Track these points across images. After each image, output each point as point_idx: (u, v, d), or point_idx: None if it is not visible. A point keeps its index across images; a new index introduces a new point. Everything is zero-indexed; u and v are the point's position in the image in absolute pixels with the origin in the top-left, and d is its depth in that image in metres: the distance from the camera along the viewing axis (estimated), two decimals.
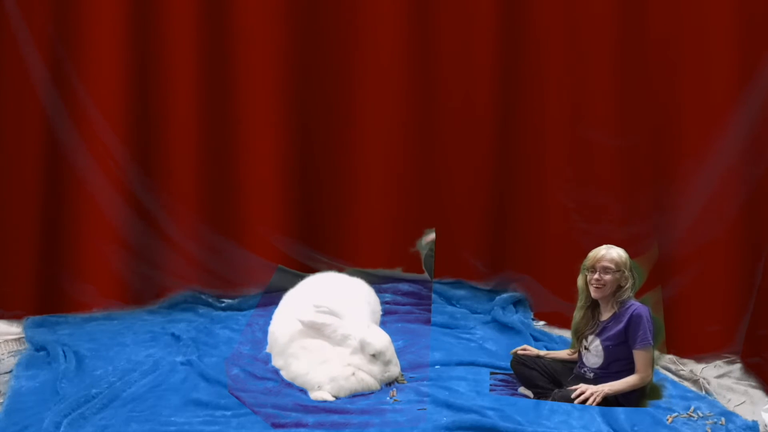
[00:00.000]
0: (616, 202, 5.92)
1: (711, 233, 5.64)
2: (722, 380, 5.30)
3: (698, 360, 5.52)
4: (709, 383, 5.21)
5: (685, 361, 5.51)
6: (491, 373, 5.23)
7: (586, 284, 4.87)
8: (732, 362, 5.50)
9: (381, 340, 4.99)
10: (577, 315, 4.98)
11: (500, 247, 6.44)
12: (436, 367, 5.29)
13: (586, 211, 6.01)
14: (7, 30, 6.00)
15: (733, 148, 5.58)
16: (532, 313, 6.29)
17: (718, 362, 5.51)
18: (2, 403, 4.90)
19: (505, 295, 6.36)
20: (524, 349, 5.21)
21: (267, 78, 6.35)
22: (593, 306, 4.92)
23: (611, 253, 4.83)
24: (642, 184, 5.86)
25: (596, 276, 4.80)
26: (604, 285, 4.80)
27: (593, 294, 4.85)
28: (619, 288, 4.82)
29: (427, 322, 6.02)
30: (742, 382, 5.29)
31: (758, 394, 5.13)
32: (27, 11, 5.98)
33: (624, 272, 4.81)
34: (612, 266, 4.79)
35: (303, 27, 6.37)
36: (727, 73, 5.62)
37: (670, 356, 5.51)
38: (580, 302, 4.96)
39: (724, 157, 5.59)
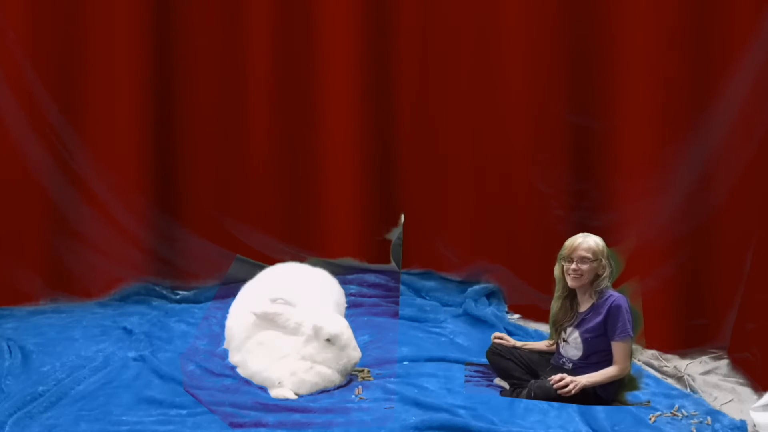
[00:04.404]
0: (595, 188, 5.86)
1: (696, 221, 5.55)
2: (708, 377, 5.23)
3: (683, 356, 5.47)
4: (694, 380, 5.13)
5: (669, 356, 5.46)
6: (466, 364, 5.20)
7: (563, 274, 4.85)
8: (718, 358, 5.44)
9: (335, 323, 4.93)
10: (555, 305, 4.95)
11: (473, 236, 6.35)
12: (405, 363, 5.24)
13: (563, 197, 5.94)
14: None
15: (719, 131, 5.48)
16: (506, 306, 6.24)
17: (704, 358, 5.45)
18: None
19: (477, 287, 6.30)
20: (500, 337, 5.16)
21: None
22: (571, 296, 4.90)
23: (588, 241, 4.79)
24: (623, 169, 5.75)
25: (573, 266, 4.76)
26: (581, 275, 4.76)
27: (570, 284, 4.82)
28: (597, 277, 4.79)
29: (395, 315, 5.99)
30: (730, 378, 5.22)
31: (746, 391, 5.06)
32: None
33: (601, 261, 4.78)
34: (589, 255, 4.75)
35: None
36: (712, 55, 5.52)
37: (653, 351, 5.46)
38: (558, 292, 4.94)
39: (709, 141, 5.50)
